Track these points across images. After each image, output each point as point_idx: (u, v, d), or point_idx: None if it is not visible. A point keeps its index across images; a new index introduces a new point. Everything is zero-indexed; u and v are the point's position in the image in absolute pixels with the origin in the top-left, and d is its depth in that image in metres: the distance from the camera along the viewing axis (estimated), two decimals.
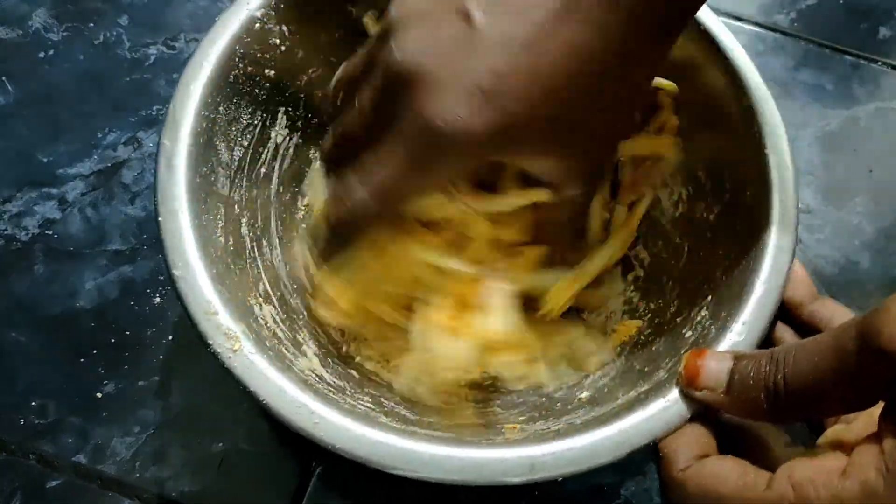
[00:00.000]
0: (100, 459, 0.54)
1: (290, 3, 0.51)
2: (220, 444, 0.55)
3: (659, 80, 0.53)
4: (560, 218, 0.49)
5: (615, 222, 0.57)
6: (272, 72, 0.53)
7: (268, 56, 0.52)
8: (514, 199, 0.46)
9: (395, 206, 0.45)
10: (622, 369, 0.51)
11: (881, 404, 0.34)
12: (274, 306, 0.50)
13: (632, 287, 0.57)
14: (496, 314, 0.48)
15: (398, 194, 0.44)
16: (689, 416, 0.40)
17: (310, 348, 0.50)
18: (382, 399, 0.49)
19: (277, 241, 0.55)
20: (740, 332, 0.43)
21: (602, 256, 0.56)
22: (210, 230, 0.46)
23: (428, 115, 0.40)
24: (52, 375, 0.56)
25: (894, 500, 0.31)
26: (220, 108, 0.49)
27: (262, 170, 0.54)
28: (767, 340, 0.44)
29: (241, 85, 0.51)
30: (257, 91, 0.52)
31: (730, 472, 0.36)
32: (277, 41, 0.52)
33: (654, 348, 0.50)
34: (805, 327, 0.45)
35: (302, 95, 0.56)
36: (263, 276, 0.51)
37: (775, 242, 0.45)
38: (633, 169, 0.56)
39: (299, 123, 0.57)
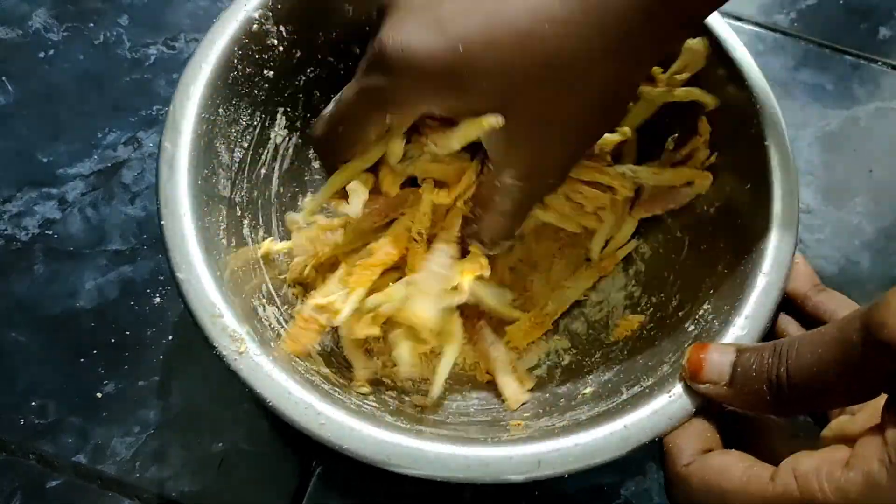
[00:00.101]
0: (100, 459, 0.54)
1: (287, 4, 0.51)
2: (220, 444, 0.55)
3: (701, 94, 0.53)
4: (495, 205, 0.48)
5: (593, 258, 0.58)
6: (271, 72, 0.53)
7: (266, 57, 0.52)
8: (463, 130, 0.45)
9: (357, 129, 0.47)
10: (626, 364, 0.51)
11: (885, 395, 0.34)
12: (277, 307, 0.50)
13: (633, 281, 0.57)
14: (426, 300, 0.48)
15: (358, 118, 0.46)
16: (693, 410, 0.41)
17: (313, 348, 0.50)
18: (387, 397, 0.49)
19: (279, 241, 0.55)
20: (743, 325, 0.43)
21: (564, 301, 0.58)
22: (213, 232, 0.46)
23: (384, 39, 0.42)
24: (52, 375, 0.56)
25: None
26: (220, 110, 0.49)
27: (263, 171, 0.54)
28: (771, 333, 0.44)
29: (241, 86, 0.51)
30: (256, 92, 0.52)
31: (734, 466, 0.36)
32: (275, 42, 0.52)
33: (656, 343, 0.50)
34: (809, 319, 0.45)
35: (300, 96, 0.56)
36: (266, 276, 0.51)
37: (777, 236, 0.45)
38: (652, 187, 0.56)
39: (298, 124, 0.57)
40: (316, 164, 0.59)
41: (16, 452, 0.54)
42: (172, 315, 0.59)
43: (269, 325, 0.47)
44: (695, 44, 0.52)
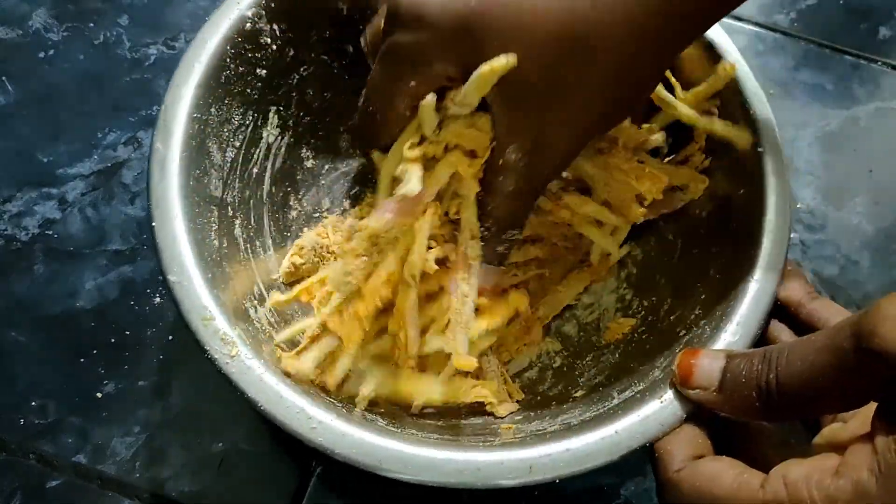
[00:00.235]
0: (100, 459, 0.54)
1: (280, 3, 0.52)
2: (220, 444, 0.55)
3: (738, 135, 0.52)
4: (499, 185, 0.47)
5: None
6: (263, 71, 0.53)
7: (259, 56, 0.52)
8: (476, 78, 0.43)
9: (386, 103, 0.46)
10: (617, 367, 0.51)
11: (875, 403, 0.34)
12: (269, 308, 0.50)
13: (625, 284, 0.57)
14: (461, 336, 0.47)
15: (384, 91, 0.46)
16: (684, 416, 0.41)
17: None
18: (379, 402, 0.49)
19: (271, 241, 0.55)
20: (734, 331, 0.43)
21: (556, 304, 0.57)
22: (204, 233, 0.46)
23: None
24: (52, 375, 0.56)
25: (886, 499, 0.31)
26: (212, 110, 0.49)
27: (255, 170, 0.54)
28: (762, 339, 0.44)
29: (233, 85, 0.51)
30: (249, 91, 0.52)
31: (724, 472, 0.36)
32: (268, 40, 0.52)
33: (648, 347, 0.50)
34: (803, 326, 0.45)
35: (293, 94, 0.56)
36: (258, 277, 0.51)
37: (769, 242, 0.45)
38: None
39: (291, 122, 0.57)
40: (308, 164, 0.59)
41: (16, 452, 0.54)
42: (172, 315, 0.59)
43: (261, 328, 0.47)
44: (728, 67, 0.51)
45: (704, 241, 0.51)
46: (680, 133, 0.54)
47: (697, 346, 0.44)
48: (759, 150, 0.48)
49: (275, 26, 0.52)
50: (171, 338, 0.58)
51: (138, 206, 0.63)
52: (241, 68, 0.51)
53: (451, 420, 0.50)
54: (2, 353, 0.57)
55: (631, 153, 0.53)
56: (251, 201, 0.54)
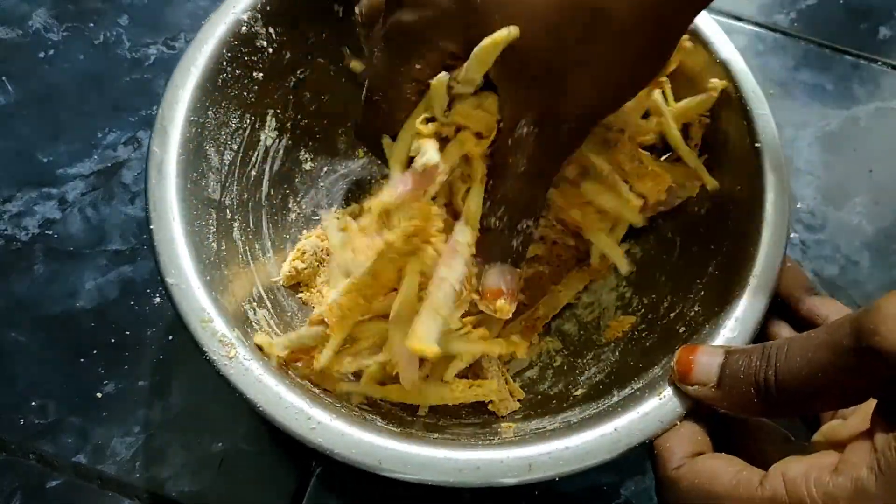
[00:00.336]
0: (100, 459, 0.54)
1: (276, 6, 0.52)
2: (220, 444, 0.55)
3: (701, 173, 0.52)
4: (510, 168, 0.44)
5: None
6: (260, 74, 0.53)
7: (255, 59, 0.52)
8: (478, 53, 0.42)
9: (392, 89, 0.45)
10: (617, 365, 0.51)
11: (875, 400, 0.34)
12: (268, 310, 0.50)
13: (624, 282, 0.57)
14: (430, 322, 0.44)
15: (389, 76, 0.45)
16: (683, 412, 0.41)
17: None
18: (379, 400, 0.49)
19: (269, 243, 0.55)
20: (733, 327, 0.44)
21: (556, 304, 0.57)
22: (202, 236, 0.46)
23: None
24: (52, 375, 0.56)
25: (885, 497, 0.31)
26: (209, 113, 0.49)
27: (253, 173, 0.54)
28: (761, 335, 0.44)
29: (230, 88, 0.51)
30: (246, 94, 0.52)
31: (723, 470, 0.36)
32: (265, 43, 0.52)
33: (647, 344, 0.50)
34: (802, 323, 0.45)
35: (290, 97, 0.56)
36: (257, 279, 0.51)
37: (768, 239, 0.46)
38: None
39: (288, 125, 0.57)
40: (306, 167, 0.60)
41: (16, 452, 0.54)
42: (172, 315, 0.58)
43: (261, 329, 0.47)
44: (718, 84, 0.52)
45: (703, 239, 0.51)
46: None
47: (696, 342, 0.44)
48: (757, 145, 0.48)
49: (271, 29, 0.52)
50: (170, 338, 0.58)
51: (138, 206, 0.63)
52: (237, 71, 0.51)
53: (451, 419, 0.50)
54: (2, 353, 0.57)
55: (636, 149, 0.53)
56: (249, 204, 0.54)
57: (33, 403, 0.55)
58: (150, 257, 0.60)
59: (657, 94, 0.53)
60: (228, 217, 0.50)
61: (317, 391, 0.44)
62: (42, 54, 0.69)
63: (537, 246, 0.56)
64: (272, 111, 0.55)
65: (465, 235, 0.45)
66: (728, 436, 0.41)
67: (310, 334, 0.47)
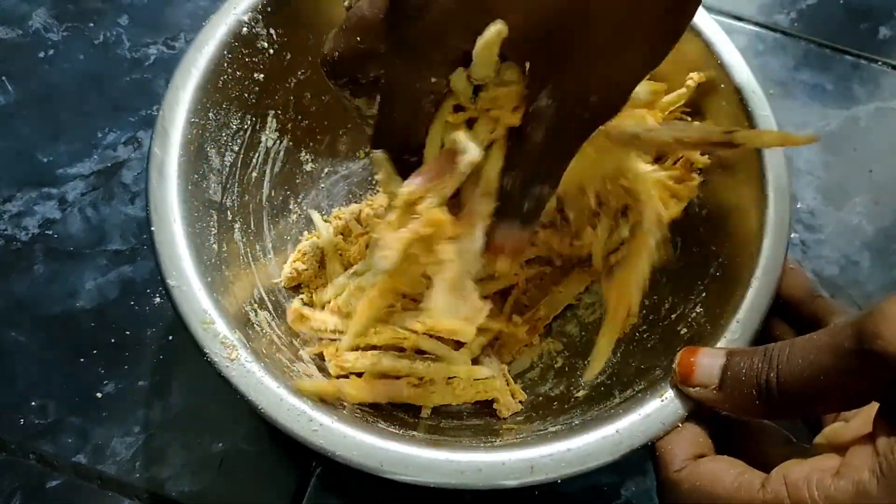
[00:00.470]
0: (100, 459, 0.54)
1: (277, 7, 0.52)
2: (220, 444, 0.55)
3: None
4: (528, 134, 0.42)
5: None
6: (261, 75, 0.53)
7: (256, 60, 0.52)
8: (478, 51, 0.41)
9: (409, 101, 0.42)
10: (618, 366, 0.51)
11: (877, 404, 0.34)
12: (269, 311, 0.50)
13: None
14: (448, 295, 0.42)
15: (405, 86, 0.42)
16: (685, 414, 0.41)
17: (305, 352, 0.50)
18: (380, 402, 0.49)
19: (270, 245, 0.55)
20: (734, 329, 0.44)
21: (556, 305, 0.57)
22: (203, 237, 0.46)
23: None
24: (52, 375, 0.56)
25: (887, 500, 0.31)
26: (210, 114, 0.49)
27: (254, 174, 0.54)
28: (763, 337, 0.44)
29: (231, 89, 0.51)
30: (246, 95, 0.52)
31: (725, 472, 0.36)
32: (265, 45, 0.52)
33: (649, 346, 0.50)
34: (804, 325, 0.45)
35: (291, 98, 0.56)
36: (258, 281, 0.51)
37: (769, 240, 0.46)
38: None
39: (289, 126, 0.57)
40: (307, 168, 0.60)
41: (16, 452, 0.54)
42: (172, 315, 0.58)
43: (262, 331, 0.47)
44: (696, 77, 0.52)
45: (704, 240, 0.51)
46: None
47: (698, 343, 0.44)
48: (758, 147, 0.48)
49: (271, 30, 0.52)
50: (170, 338, 0.58)
51: (138, 206, 0.63)
52: (238, 73, 0.51)
53: (453, 421, 0.50)
54: (2, 353, 0.57)
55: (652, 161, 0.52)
56: (250, 205, 0.54)
57: (33, 403, 0.55)
58: (150, 257, 0.60)
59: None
60: (229, 218, 0.50)
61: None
62: (42, 54, 0.69)
63: (538, 248, 0.56)
64: (273, 112, 0.55)
65: (484, 205, 0.43)
66: (730, 438, 0.41)
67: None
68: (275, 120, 0.55)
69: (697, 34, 0.52)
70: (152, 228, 0.44)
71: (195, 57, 0.49)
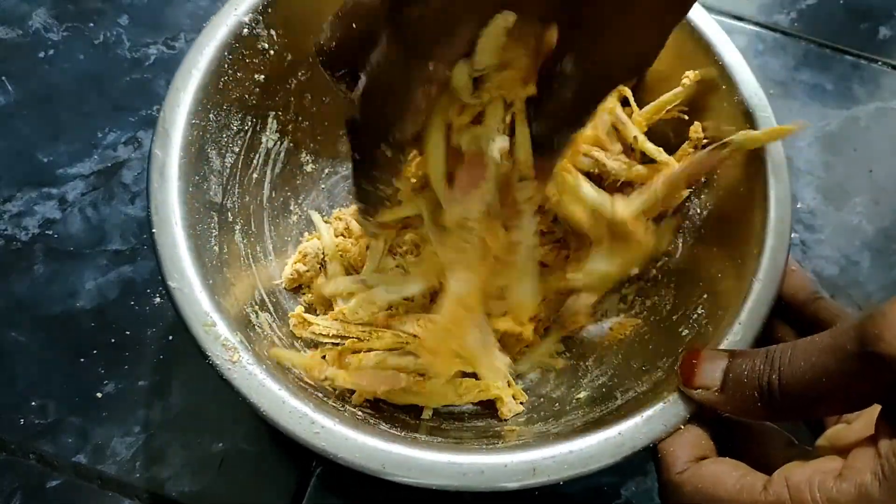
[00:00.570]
0: (100, 459, 0.54)
1: (278, 8, 0.51)
2: (220, 444, 0.55)
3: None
4: (553, 91, 0.41)
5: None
6: (262, 76, 0.53)
7: (257, 61, 0.52)
8: (483, 39, 0.38)
9: (401, 93, 0.39)
10: (620, 368, 0.51)
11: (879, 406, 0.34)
12: (270, 313, 0.50)
13: (627, 284, 0.57)
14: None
15: (399, 77, 0.38)
16: (687, 416, 0.41)
17: (306, 353, 0.50)
18: (381, 403, 0.49)
19: (271, 246, 0.55)
20: (736, 331, 0.43)
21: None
22: (204, 239, 0.46)
23: None
24: (52, 375, 0.56)
25: (889, 503, 0.31)
26: (211, 115, 0.49)
27: (254, 175, 0.54)
28: (764, 338, 0.44)
29: (231, 91, 0.51)
30: (247, 96, 0.52)
31: (727, 474, 0.36)
32: (266, 46, 0.52)
33: (651, 347, 0.50)
34: (806, 326, 0.45)
35: (292, 99, 0.56)
36: (258, 282, 0.51)
37: (771, 241, 0.45)
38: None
39: (289, 127, 0.57)
40: (308, 169, 0.60)
41: (16, 452, 0.54)
42: (172, 315, 0.58)
43: (263, 333, 0.47)
44: (692, 75, 0.52)
45: (706, 241, 0.51)
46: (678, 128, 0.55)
47: (700, 345, 0.44)
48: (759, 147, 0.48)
49: (272, 31, 0.52)
50: (170, 338, 0.58)
51: (138, 206, 0.63)
52: (239, 74, 0.51)
53: (454, 423, 0.50)
54: (2, 353, 0.57)
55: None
56: (251, 206, 0.54)
57: (33, 403, 0.55)
58: (150, 257, 0.60)
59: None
60: (230, 220, 0.50)
61: (320, 395, 0.44)
62: (42, 54, 0.69)
63: (539, 249, 0.56)
64: (273, 113, 0.55)
65: (526, 191, 0.44)
66: (732, 440, 0.41)
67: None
68: (275, 121, 0.55)
69: (698, 34, 0.52)
70: (153, 230, 0.44)
71: (196, 58, 0.49)
